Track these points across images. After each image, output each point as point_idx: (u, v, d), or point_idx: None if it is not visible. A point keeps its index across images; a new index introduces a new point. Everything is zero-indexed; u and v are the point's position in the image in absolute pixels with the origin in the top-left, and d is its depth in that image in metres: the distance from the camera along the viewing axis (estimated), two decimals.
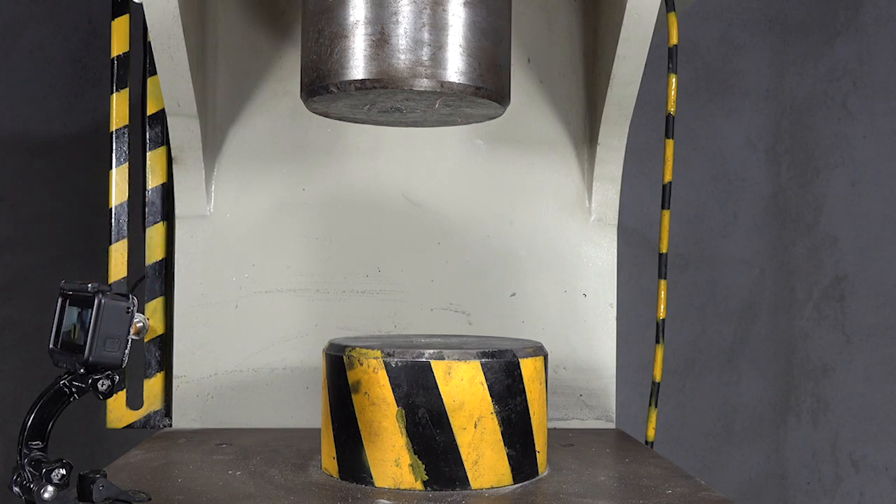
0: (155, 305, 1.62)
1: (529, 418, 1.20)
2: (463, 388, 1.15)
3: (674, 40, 1.64)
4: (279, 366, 1.63)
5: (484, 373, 1.16)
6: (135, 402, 1.61)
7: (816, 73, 2.60)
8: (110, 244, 1.60)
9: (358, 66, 1.17)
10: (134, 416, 1.61)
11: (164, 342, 1.63)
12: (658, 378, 1.71)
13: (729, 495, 1.24)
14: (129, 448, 1.41)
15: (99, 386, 0.97)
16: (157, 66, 1.43)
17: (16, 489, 0.97)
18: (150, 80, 1.61)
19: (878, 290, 2.54)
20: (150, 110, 1.62)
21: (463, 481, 1.16)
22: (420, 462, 1.15)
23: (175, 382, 1.61)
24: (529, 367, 1.20)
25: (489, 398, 1.16)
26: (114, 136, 1.60)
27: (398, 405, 1.15)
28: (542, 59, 1.69)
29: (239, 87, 1.65)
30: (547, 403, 1.27)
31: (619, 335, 1.69)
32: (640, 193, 2.41)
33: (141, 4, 1.35)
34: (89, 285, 0.98)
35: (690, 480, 1.23)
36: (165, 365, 1.63)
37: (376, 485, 1.17)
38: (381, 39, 1.16)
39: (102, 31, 1.69)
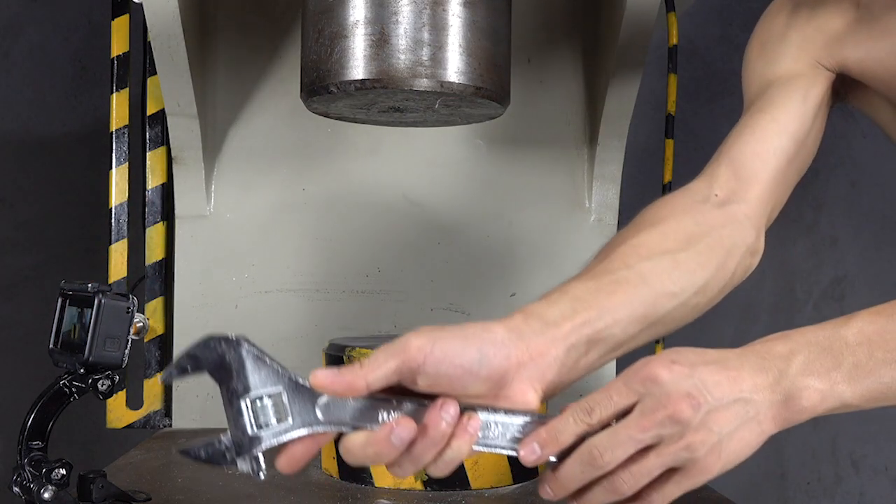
0: (155, 305, 1.62)
1: None
2: None
3: (674, 40, 1.64)
4: None
5: None
6: (135, 402, 1.61)
7: None
8: (110, 244, 1.60)
9: (358, 66, 1.17)
10: (134, 416, 1.61)
11: (164, 342, 1.63)
12: None
13: (729, 495, 1.24)
14: (129, 448, 1.41)
15: (99, 386, 0.97)
16: (157, 66, 1.43)
17: (16, 489, 0.97)
18: (150, 80, 1.61)
19: (878, 290, 2.54)
20: (150, 110, 1.62)
21: (463, 481, 1.15)
22: None
23: (175, 382, 1.61)
24: None
25: None
26: (114, 136, 1.60)
27: None
28: (542, 59, 1.69)
29: (239, 87, 1.65)
30: (547, 403, 1.26)
31: None
32: (640, 193, 2.41)
33: (141, 4, 1.35)
34: (89, 285, 0.98)
35: None
36: (165, 365, 1.63)
37: (376, 485, 1.17)
38: (381, 39, 1.16)
39: (102, 31, 1.68)
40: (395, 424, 0.71)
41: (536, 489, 1.17)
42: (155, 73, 1.48)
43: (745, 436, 0.77)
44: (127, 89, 1.60)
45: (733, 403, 0.76)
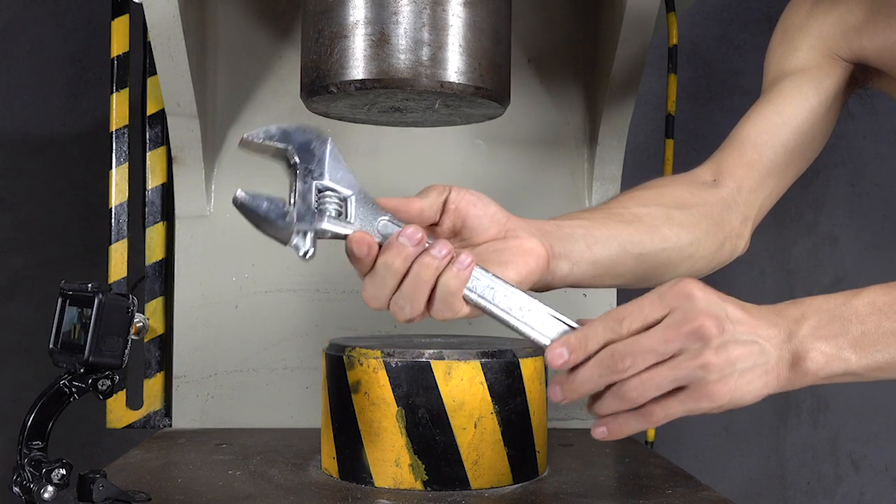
0: (155, 305, 1.62)
1: (529, 418, 1.20)
2: (463, 388, 1.15)
3: (674, 40, 1.64)
4: (279, 366, 1.63)
5: (484, 373, 1.16)
6: (135, 402, 1.61)
7: None
8: (110, 244, 1.60)
9: (358, 66, 1.17)
10: (134, 416, 1.61)
11: (164, 342, 1.63)
12: None
13: (729, 495, 1.24)
14: (129, 448, 1.41)
15: (99, 386, 0.97)
16: (157, 66, 1.43)
17: (16, 489, 0.97)
18: (150, 80, 1.61)
19: None
20: (150, 110, 1.62)
21: (463, 481, 1.15)
22: (420, 462, 1.15)
23: (175, 382, 1.61)
24: (529, 367, 1.20)
25: (489, 398, 1.16)
26: (114, 136, 1.60)
27: (398, 405, 1.15)
28: (542, 59, 1.69)
29: (239, 87, 1.65)
30: (547, 403, 1.27)
31: None
32: None
33: (141, 4, 1.35)
34: (89, 285, 0.98)
35: (690, 480, 1.23)
36: (165, 365, 1.63)
37: (376, 485, 1.17)
38: (381, 39, 1.16)
39: (102, 31, 1.68)
40: (407, 228, 0.82)
41: (536, 489, 1.17)
42: (155, 73, 1.48)
43: (754, 380, 0.80)
44: (127, 89, 1.60)
45: (751, 343, 0.79)
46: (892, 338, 0.81)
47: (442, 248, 0.81)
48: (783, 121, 1.10)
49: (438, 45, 1.16)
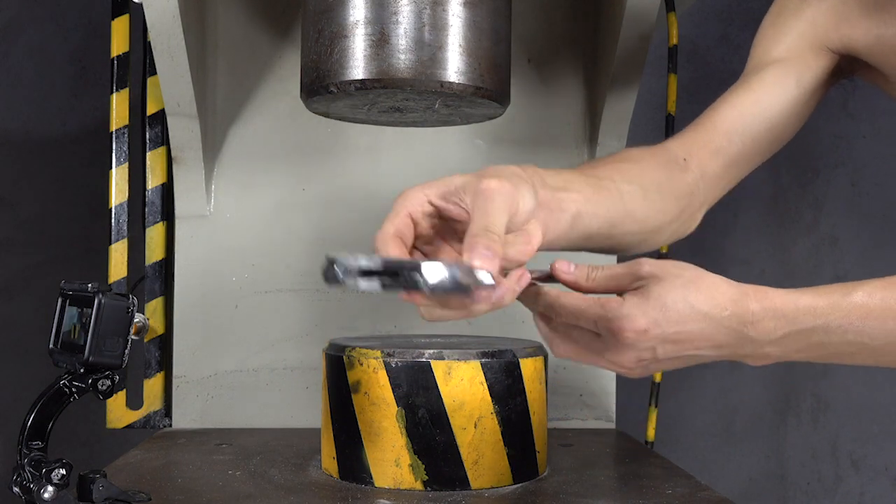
0: (155, 305, 1.62)
1: (529, 418, 1.20)
2: (463, 388, 1.15)
3: (674, 40, 1.64)
4: (279, 366, 1.63)
5: (484, 373, 1.16)
6: (135, 402, 1.61)
7: None
8: (110, 244, 1.60)
9: (358, 66, 1.17)
10: (134, 416, 1.61)
11: (164, 342, 1.63)
12: (658, 378, 1.71)
13: (729, 495, 1.24)
14: (129, 448, 1.41)
15: (99, 386, 0.97)
16: (157, 66, 1.43)
17: (16, 489, 0.97)
18: (150, 80, 1.61)
19: None
20: (150, 110, 1.62)
21: (463, 481, 1.16)
22: (420, 462, 1.15)
23: (175, 382, 1.61)
24: (529, 367, 1.20)
25: (489, 398, 1.16)
26: (114, 136, 1.60)
27: (398, 405, 1.15)
28: (542, 59, 1.69)
29: (239, 87, 1.65)
30: (547, 403, 1.27)
31: None
32: None
33: (141, 4, 1.35)
34: (89, 285, 0.98)
35: (690, 480, 1.23)
36: (165, 365, 1.63)
37: (376, 485, 1.17)
38: (381, 39, 1.16)
39: (102, 31, 1.68)
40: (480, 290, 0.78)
41: (537, 489, 1.17)
42: (155, 73, 1.48)
43: (675, 366, 0.86)
44: (127, 89, 1.60)
45: (680, 358, 0.84)
46: (845, 346, 0.83)
47: (504, 296, 0.80)
48: (759, 111, 1.10)
49: (438, 45, 1.16)
